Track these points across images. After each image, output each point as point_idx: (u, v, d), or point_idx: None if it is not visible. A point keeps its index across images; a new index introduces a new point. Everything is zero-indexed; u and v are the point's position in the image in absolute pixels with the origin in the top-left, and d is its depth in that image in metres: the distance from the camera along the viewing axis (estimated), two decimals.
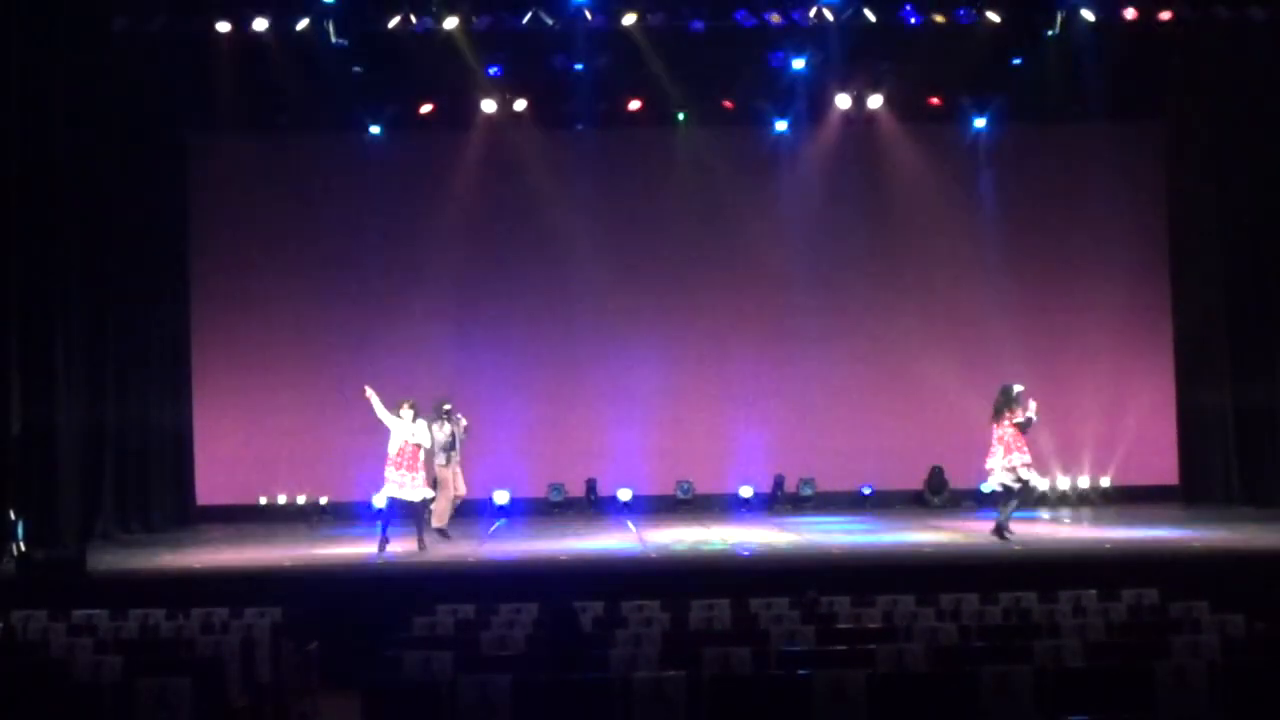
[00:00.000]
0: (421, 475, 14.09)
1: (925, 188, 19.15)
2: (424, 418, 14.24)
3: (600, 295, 19.20)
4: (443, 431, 15.06)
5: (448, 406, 15.23)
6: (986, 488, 14.18)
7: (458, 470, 15.34)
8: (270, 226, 19.07)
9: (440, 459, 15.10)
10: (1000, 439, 13.96)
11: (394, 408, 13.99)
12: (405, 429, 13.94)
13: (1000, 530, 13.96)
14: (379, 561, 13.55)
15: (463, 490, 15.52)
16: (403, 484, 13.90)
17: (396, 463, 13.91)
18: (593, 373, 19.03)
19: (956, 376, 19.09)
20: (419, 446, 14.03)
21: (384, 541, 13.84)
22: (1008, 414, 13.96)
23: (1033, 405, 14.04)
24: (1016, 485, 13.94)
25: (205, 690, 7.51)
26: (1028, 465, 13.95)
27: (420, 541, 14.11)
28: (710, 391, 19.27)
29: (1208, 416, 18.66)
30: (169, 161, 18.40)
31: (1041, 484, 14.52)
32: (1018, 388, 14.10)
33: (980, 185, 19.55)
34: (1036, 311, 19.37)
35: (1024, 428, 13.93)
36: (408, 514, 14.30)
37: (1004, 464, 13.91)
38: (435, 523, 14.84)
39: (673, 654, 8.05)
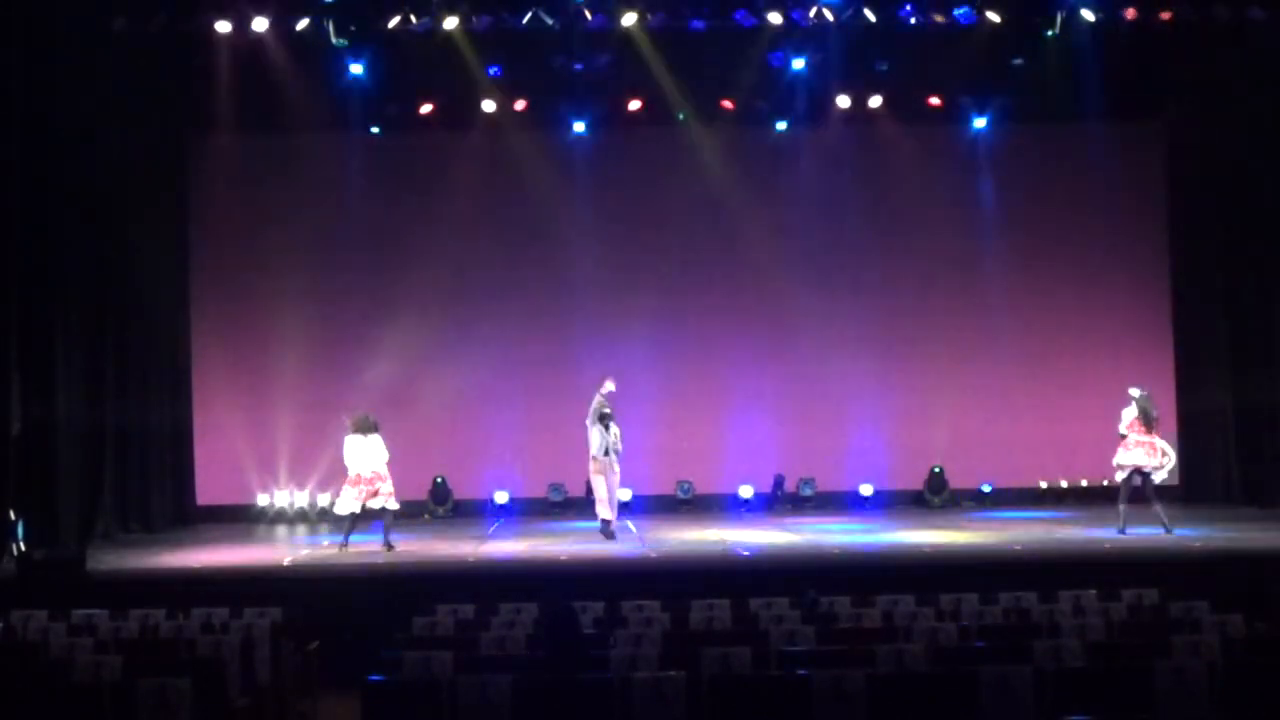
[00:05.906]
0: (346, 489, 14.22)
1: (925, 188, 19.15)
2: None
3: (600, 295, 19.21)
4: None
5: (605, 411, 14.99)
6: (1159, 479, 14.73)
7: (599, 479, 14.89)
8: (270, 226, 19.03)
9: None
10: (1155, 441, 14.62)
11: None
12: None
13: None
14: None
15: (603, 494, 14.98)
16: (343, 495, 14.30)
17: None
18: (592, 372, 18.94)
19: (957, 377, 19.17)
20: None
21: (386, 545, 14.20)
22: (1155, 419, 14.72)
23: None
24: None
25: (205, 690, 7.51)
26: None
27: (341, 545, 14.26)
28: (710, 391, 19.25)
29: (1208, 417, 18.66)
30: (169, 161, 18.39)
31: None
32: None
33: (980, 185, 19.53)
34: (1036, 311, 19.37)
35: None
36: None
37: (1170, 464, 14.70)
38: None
39: (673, 654, 8.05)
